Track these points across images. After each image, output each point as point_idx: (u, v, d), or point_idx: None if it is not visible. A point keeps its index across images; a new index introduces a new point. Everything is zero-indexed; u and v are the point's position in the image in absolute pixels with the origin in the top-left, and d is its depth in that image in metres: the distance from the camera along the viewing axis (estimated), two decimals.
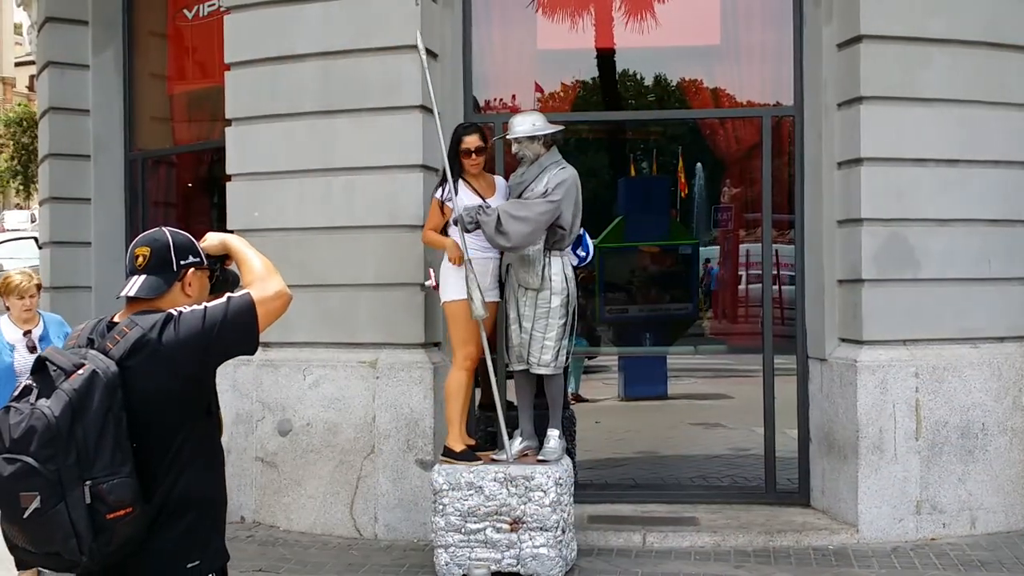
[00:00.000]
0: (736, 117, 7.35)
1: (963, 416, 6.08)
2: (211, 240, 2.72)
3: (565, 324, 5.58)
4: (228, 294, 2.56)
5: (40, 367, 2.38)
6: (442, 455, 5.68)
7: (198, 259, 2.65)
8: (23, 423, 2.27)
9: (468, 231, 5.43)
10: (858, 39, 6.09)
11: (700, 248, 9.68)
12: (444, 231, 5.67)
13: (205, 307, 2.49)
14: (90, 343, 2.46)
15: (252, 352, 2.57)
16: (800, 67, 6.47)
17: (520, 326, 5.60)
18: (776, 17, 6.70)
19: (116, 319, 2.54)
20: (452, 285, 5.57)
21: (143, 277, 2.57)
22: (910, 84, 6.12)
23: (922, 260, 6.14)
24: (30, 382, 2.38)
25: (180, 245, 2.63)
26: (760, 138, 6.61)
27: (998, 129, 6.24)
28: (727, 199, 9.11)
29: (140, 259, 2.58)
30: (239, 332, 2.51)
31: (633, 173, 9.97)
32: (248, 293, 2.54)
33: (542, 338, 5.55)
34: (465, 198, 5.65)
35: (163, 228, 2.68)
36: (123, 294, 2.56)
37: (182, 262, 2.61)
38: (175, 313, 2.47)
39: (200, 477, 2.54)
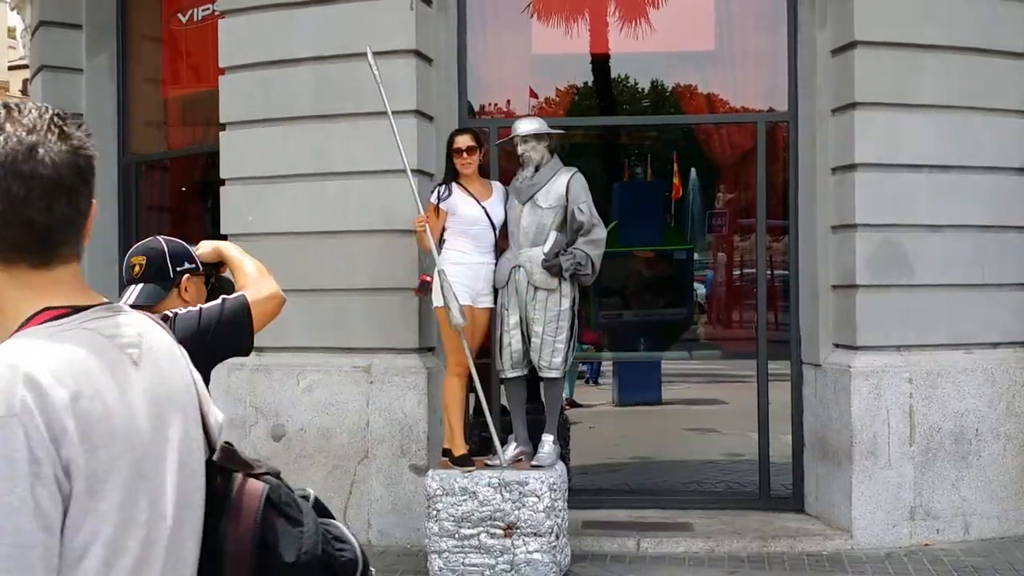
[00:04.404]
0: (731, 123, 7.36)
1: (957, 422, 6.08)
2: (205, 248, 2.77)
3: (572, 327, 5.62)
4: (223, 296, 2.58)
5: None
6: (442, 456, 5.68)
7: (193, 265, 2.70)
8: None
9: (565, 278, 5.56)
10: (852, 45, 6.11)
11: (695, 253, 9.69)
12: (443, 234, 5.70)
13: (200, 308, 2.52)
14: None
15: (246, 353, 2.59)
16: (794, 73, 6.49)
17: (527, 331, 5.62)
18: (771, 23, 6.71)
19: None
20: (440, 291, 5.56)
21: (140, 286, 2.62)
22: (904, 90, 6.13)
23: (916, 266, 6.15)
24: None
25: (175, 253, 2.68)
26: (755, 143, 6.62)
27: (991, 135, 6.26)
28: (721, 204, 9.12)
29: (137, 268, 2.64)
30: (234, 332, 2.53)
31: (628, 178, 9.98)
32: (243, 295, 2.57)
33: (552, 341, 5.58)
34: (460, 202, 5.66)
35: (158, 237, 2.74)
36: (122, 303, 2.58)
37: (178, 269, 2.66)
38: (170, 315, 2.49)
39: None
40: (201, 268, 2.72)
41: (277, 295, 2.63)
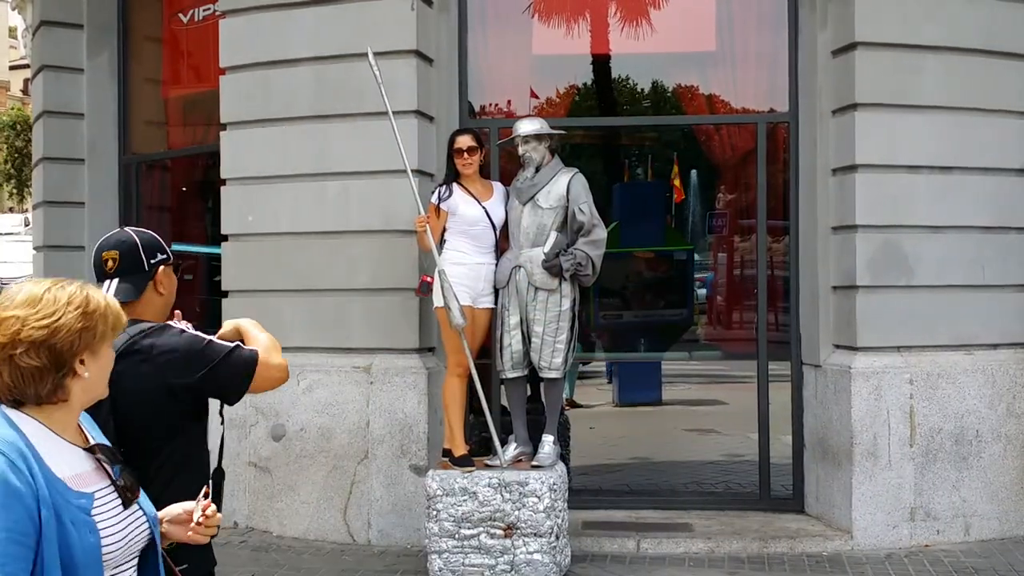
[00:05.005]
0: (731, 123, 7.36)
1: (957, 423, 6.08)
2: (227, 328, 2.75)
3: (572, 327, 5.63)
4: (238, 342, 2.57)
5: None
6: (442, 456, 5.68)
7: (166, 255, 2.67)
8: None
9: (565, 278, 5.56)
10: (853, 46, 6.11)
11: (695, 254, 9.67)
12: (443, 234, 5.70)
13: (210, 339, 2.54)
14: None
15: (232, 402, 2.60)
16: (795, 74, 6.49)
17: (528, 331, 5.63)
18: (771, 24, 6.71)
19: None
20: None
21: (116, 281, 2.57)
22: (904, 91, 6.13)
23: (916, 267, 6.15)
24: None
25: (147, 244, 2.63)
26: (755, 144, 6.62)
27: (991, 136, 6.26)
28: (722, 205, 9.10)
29: (110, 263, 2.58)
30: (233, 375, 2.54)
31: (628, 179, 9.96)
32: (256, 351, 2.58)
33: (553, 342, 5.59)
34: (460, 202, 5.66)
35: (127, 228, 2.68)
36: None
37: (152, 261, 2.62)
38: (173, 326, 2.50)
39: (190, 483, 2.54)
40: (172, 258, 2.68)
41: (284, 368, 2.64)
